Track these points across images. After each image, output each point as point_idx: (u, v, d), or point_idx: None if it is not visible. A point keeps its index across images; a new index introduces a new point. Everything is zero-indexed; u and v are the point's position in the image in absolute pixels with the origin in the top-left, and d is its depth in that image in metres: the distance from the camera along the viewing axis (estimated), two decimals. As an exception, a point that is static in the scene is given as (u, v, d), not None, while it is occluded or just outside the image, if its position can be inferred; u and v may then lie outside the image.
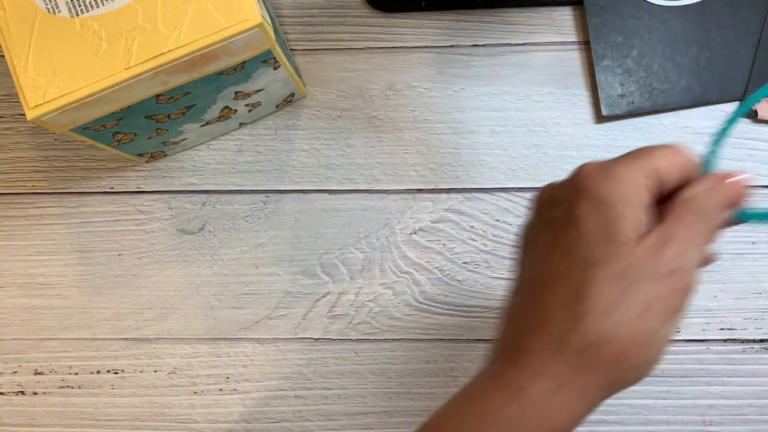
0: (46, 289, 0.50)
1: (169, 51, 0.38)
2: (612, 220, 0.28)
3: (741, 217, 0.30)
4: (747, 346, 0.47)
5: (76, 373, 0.49)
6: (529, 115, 0.49)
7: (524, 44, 0.50)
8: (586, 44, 0.50)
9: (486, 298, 0.48)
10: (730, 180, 0.29)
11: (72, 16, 0.39)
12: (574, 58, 0.50)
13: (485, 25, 0.51)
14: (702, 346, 0.47)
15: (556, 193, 0.30)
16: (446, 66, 0.50)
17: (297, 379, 0.48)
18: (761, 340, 0.46)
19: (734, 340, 0.47)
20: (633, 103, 0.48)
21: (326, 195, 0.50)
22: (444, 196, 0.49)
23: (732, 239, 0.47)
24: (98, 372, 0.49)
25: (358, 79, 0.51)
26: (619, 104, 0.48)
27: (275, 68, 0.44)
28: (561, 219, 0.29)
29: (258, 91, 0.46)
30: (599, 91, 0.48)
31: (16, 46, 0.39)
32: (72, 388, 0.49)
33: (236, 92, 0.45)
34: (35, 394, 0.49)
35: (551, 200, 0.30)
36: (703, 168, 0.31)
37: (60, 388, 0.49)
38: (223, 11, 0.38)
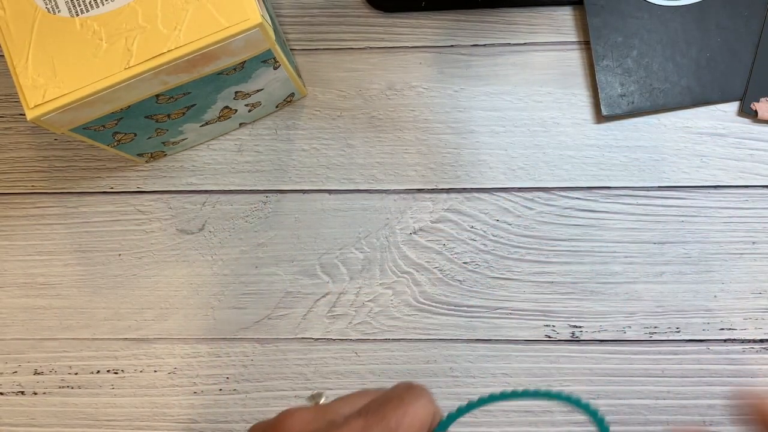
0: (46, 289, 0.50)
1: (169, 51, 0.38)
2: None
3: None
4: (747, 346, 0.47)
5: (76, 373, 0.49)
6: (529, 115, 0.49)
7: (524, 44, 0.50)
8: (586, 44, 0.50)
9: (486, 298, 0.48)
10: None
11: (72, 16, 0.39)
12: (574, 58, 0.50)
13: (485, 25, 0.51)
14: (702, 346, 0.47)
15: None
16: (446, 66, 0.50)
17: (297, 379, 0.48)
18: (761, 340, 0.46)
19: (734, 340, 0.47)
20: (633, 103, 0.48)
21: (326, 195, 0.50)
22: (444, 196, 0.49)
23: (732, 239, 0.47)
24: (98, 372, 0.49)
25: (358, 79, 0.51)
26: (619, 104, 0.48)
27: (275, 68, 0.44)
28: None
29: (258, 91, 0.46)
30: (599, 91, 0.48)
31: (15, 46, 0.39)
32: (72, 388, 0.49)
33: (236, 92, 0.45)
34: (35, 394, 0.49)
35: None
36: (439, 426, 0.28)
37: (60, 388, 0.49)
38: (223, 11, 0.38)
